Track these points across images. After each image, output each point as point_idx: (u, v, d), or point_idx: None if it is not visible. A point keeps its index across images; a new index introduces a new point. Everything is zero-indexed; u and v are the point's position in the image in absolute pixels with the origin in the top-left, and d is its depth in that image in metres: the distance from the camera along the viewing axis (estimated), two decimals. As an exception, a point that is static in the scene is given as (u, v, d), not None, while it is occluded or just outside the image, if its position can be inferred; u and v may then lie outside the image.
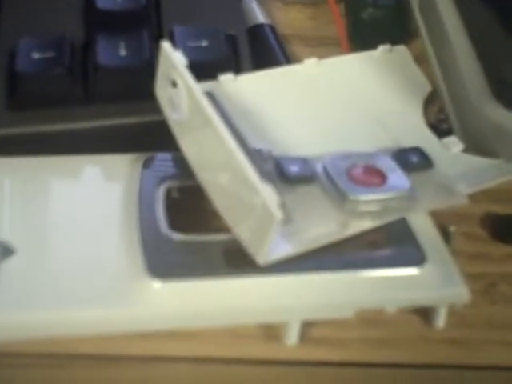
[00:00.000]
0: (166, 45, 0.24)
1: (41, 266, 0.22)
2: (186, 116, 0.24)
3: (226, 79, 0.27)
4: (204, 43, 0.28)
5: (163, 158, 0.26)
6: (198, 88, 0.23)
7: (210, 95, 0.25)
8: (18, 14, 0.30)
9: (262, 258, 0.22)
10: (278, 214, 0.20)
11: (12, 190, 0.25)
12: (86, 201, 0.25)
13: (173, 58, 0.24)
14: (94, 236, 0.23)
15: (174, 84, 0.24)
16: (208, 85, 0.26)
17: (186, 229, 0.24)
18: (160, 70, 0.25)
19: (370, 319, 0.25)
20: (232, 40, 0.29)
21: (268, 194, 0.20)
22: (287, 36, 0.35)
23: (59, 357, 0.23)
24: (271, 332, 0.24)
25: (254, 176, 0.21)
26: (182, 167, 0.25)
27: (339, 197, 0.24)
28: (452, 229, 0.26)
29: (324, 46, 0.35)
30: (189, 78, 0.23)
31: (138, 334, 0.23)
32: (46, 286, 0.22)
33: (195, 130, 0.24)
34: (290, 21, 0.36)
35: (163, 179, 0.26)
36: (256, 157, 0.23)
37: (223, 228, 0.24)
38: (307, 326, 0.24)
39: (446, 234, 0.26)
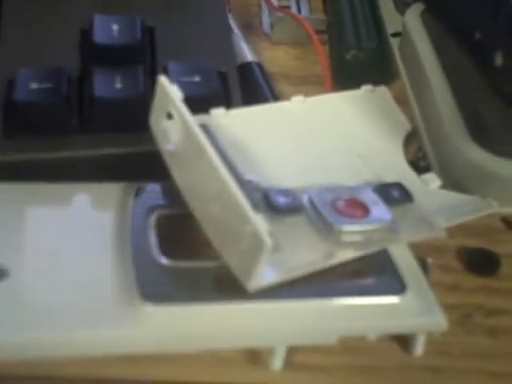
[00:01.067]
0: (163, 79, 0.25)
1: (34, 289, 0.23)
2: (180, 147, 0.25)
3: (218, 113, 0.28)
4: (196, 78, 0.29)
5: (154, 187, 0.27)
6: (193, 120, 0.24)
7: (204, 127, 0.26)
8: (16, 44, 0.31)
9: (252, 284, 0.23)
10: (269, 242, 0.21)
11: (6, 215, 0.25)
12: (79, 227, 0.26)
13: (169, 92, 0.25)
14: (87, 261, 0.24)
15: (169, 116, 0.25)
16: (201, 118, 0.27)
17: (176, 256, 0.25)
18: (156, 102, 0.26)
19: (352, 346, 0.25)
20: (223, 76, 0.31)
21: (259, 222, 0.21)
22: (273, 74, 0.36)
23: (45, 379, 0.23)
24: (255, 357, 0.25)
25: (245, 205, 0.22)
26: (173, 196, 0.26)
27: (325, 227, 0.25)
28: (429, 260, 0.28)
29: (308, 85, 0.36)
30: (185, 110, 0.24)
31: (124, 358, 0.23)
32: (39, 308, 0.22)
33: (188, 160, 0.25)
34: (277, 60, 0.37)
35: (154, 207, 0.26)
36: (246, 187, 0.24)
37: (212, 255, 0.24)
38: (291, 351, 0.25)
39: (423, 266, 0.27)
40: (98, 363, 0.23)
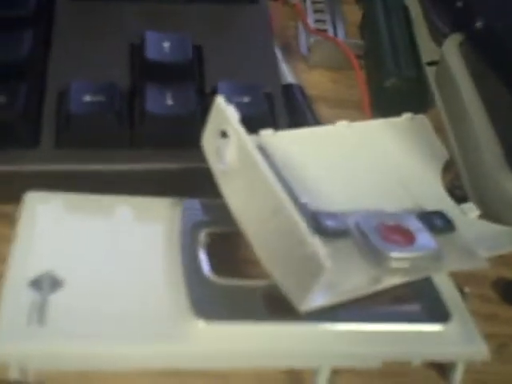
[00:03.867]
0: (220, 99, 0.25)
1: (88, 300, 0.23)
2: (234, 166, 0.25)
3: (267, 134, 0.29)
4: (245, 99, 0.30)
5: (201, 204, 0.28)
6: (249, 140, 0.24)
7: (260, 148, 0.26)
8: (67, 57, 0.31)
9: (304, 306, 0.23)
10: (328, 265, 0.21)
11: (60, 225, 0.26)
12: (129, 239, 0.26)
13: (226, 112, 0.25)
14: (139, 274, 0.25)
15: (223, 135, 0.26)
16: (251, 138, 0.27)
17: (225, 274, 0.25)
18: (210, 121, 0.26)
19: (394, 371, 0.26)
20: (269, 97, 0.31)
21: (317, 244, 0.22)
22: (310, 96, 0.37)
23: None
24: (299, 378, 0.25)
25: (303, 227, 0.22)
26: (220, 213, 0.26)
27: (372, 253, 0.25)
28: (467, 290, 0.28)
29: (344, 109, 0.37)
30: (242, 131, 0.25)
31: (168, 372, 0.24)
32: (93, 320, 0.23)
33: (242, 179, 0.25)
34: (313, 82, 0.38)
35: (202, 224, 0.27)
36: (300, 209, 0.25)
37: (259, 274, 0.25)
38: (335, 373, 0.25)
39: (461, 295, 0.27)
40: (147, 377, 0.24)
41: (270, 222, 0.24)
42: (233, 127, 0.25)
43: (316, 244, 0.22)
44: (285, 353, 0.24)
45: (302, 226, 0.22)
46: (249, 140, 0.24)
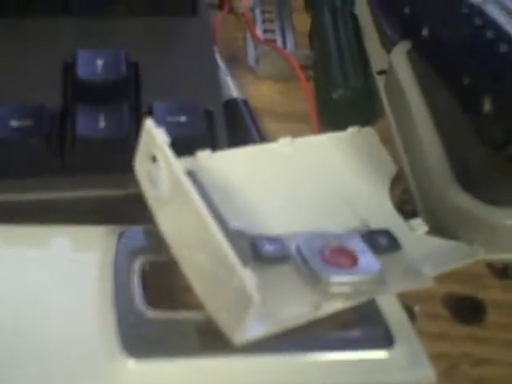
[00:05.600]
0: (149, 122, 0.24)
1: (13, 341, 0.22)
2: (165, 192, 0.24)
3: (203, 156, 0.27)
4: (183, 119, 0.29)
5: (138, 231, 0.27)
6: (179, 166, 0.23)
7: (191, 173, 0.25)
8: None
9: (238, 338, 0.22)
10: (257, 297, 0.20)
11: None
12: (59, 272, 0.25)
13: (155, 136, 0.24)
14: (68, 310, 0.23)
15: (154, 159, 0.25)
16: (186, 161, 0.26)
17: (159, 304, 0.24)
18: (141, 145, 0.25)
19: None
20: (209, 115, 0.30)
21: (247, 276, 0.21)
22: (257, 109, 0.36)
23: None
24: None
25: (232, 258, 0.21)
26: (157, 241, 0.25)
27: (312, 278, 0.24)
28: (416, 309, 0.27)
29: (293, 122, 0.36)
30: (170, 155, 0.24)
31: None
32: (18, 363, 0.21)
33: (174, 206, 0.24)
34: (261, 95, 0.37)
35: (138, 252, 0.26)
36: (233, 236, 0.24)
37: (196, 304, 0.24)
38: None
39: (410, 314, 0.27)
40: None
41: (201, 252, 0.23)
42: (162, 151, 0.24)
43: (245, 276, 0.21)
44: (222, 388, 0.23)
45: (232, 257, 0.21)
46: (178, 166, 0.23)
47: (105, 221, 0.27)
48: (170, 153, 0.24)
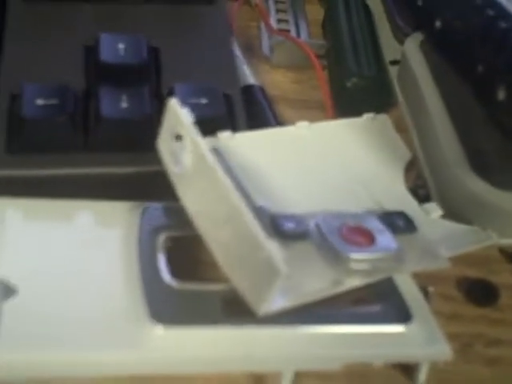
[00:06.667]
0: (173, 101, 0.25)
1: (44, 307, 0.22)
2: (189, 169, 0.25)
3: (225, 136, 0.28)
4: (203, 101, 0.29)
5: (160, 208, 0.27)
6: (204, 144, 0.24)
7: (215, 151, 0.26)
8: (20, 60, 0.30)
9: (262, 309, 0.22)
10: (284, 269, 0.21)
11: (15, 231, 0.25)
12: (85, 245, 0.25)
13: (180, 114, 0.25)
14: (96, 280, 0.24)
15: (178, 138, 0.25)
16: (208, 141, 0.27)
17: (184, 277, 0.25)
18: (165, 124, 0.26)
19: (357, 372, 0.25)
20: (228, 99, 0.31)
21: (273, 249, 0.21)
22: (273, 97, 0.36)
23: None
24: (261, 381, 0.25)
25: (259, 231, 0.22)
26: (179, 217, 0.26)
27: (332, 255, 0.25)
28: (431, 289, 0.28)
29: (307, 109, 0.37)
30: (195, 133, 0.24)
31: (131, 379, 0.23)
32: (48, 327, 0.22)
33: (198, 183, 0.25)
34: (276, 83, 0.38)
35: (161, 228, 0.26)
36: (256, 212, 0.24)
37: (219, 277, 0.24)
38: (298, 376, 0.25)
39: (424, 294, 0.27)
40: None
41: (226, 227, 0.23)
42: (187, 130, 0.24)
43: (272, 249, 0.21)
44: (245, 357, 0.23)
45: (258, 230, 0.22)
46: (203, 143, 0.24)
47: (126, 197, 0.27)
48: (194, 130, 0.24)
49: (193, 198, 0.25)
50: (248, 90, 0.34)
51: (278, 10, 0.42)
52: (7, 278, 0.23)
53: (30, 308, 0.22)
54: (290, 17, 0.42)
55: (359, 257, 0.25)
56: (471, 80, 0.31)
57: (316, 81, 0.37)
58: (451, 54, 0.33)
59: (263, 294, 0.22)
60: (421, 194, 0.32)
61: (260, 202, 0.26)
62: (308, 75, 0.38)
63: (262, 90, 0.35)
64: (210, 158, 0.23)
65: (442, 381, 0.26)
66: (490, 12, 0.32)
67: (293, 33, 0.40)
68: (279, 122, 0.33)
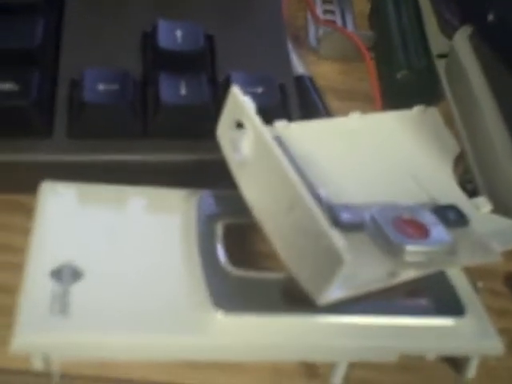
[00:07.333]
0: (236, 89, 0.25)
1: (108, 291, 0.23)
2: (250, 157, 0.25)
3: (281, 125, 0.28)
4: (259, 90, 0.29)
5: (216, 195, 0.27)
6: (266, 131, 0.24)
7: (278, 139, 0.26)
8: (78, 45, 0.31)
9: (322, 298, 0.23)
10: (347, 258, 0.21)
11: (76, 215, 0.26)
12: (145, 231, 0.26)
13: (242, 102, 0.25)
14: (157, 265, 0.24)
15: (239, 126, 0.26)
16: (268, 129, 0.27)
17: (241, 265, 0.25)
18: (226, 111, 0.26)
19: (409, 364, 0.26)
20: (282, 88, 0.31)
21: (337, 237, 0.22)
22: (320, 88, 0.36)
23: (115, 381, 0.24)
24: (315, 370, 0.25)
25: (322, 220, 0.22)
26: (236, 205, 0.26)
27: (388, 246, 0.25)
28: (480, 284, 0.28)
29: (354, 101, 0.37)
30: (258, 121, 0.25)
31: (191, 364, 0.24)
32: (113, 310, 0.23)
33: (258, 170, 0.25)
34: (323, 73, 0.38)
35: (218, 216, 0.27)
36: (317, 202, 0.25)
37: (276, 266, 0.25)
38: (350, 366, 0.25)
39: (474, 289, 0.27)
40: (165, 368, 0.24)
41: (287, 215, 0.24)
42: (249, 118, 0.25)
43: (335, 237, 0.22)
44: (301, 346, 0.24)
45: (321, 218, 0.22)
46: (266, 131, 0.24)
47: (183, 184, 0.28)
48: (256, 118, 0.25)
49: (253, 186, 0.25)
50: (299, 80, 0.34)
51: (324, 1, 0.42)
52: (74, 262, 0.23)
53: (96, 291, 0.23)
54: (336, 8, 0.42)
55: (414, 249, 0.25)
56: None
57: (362, 73, 0.37)
58: (503, 48, 0.33)
59: (325, 283, 0.22)
60: (469, 189, 0.32)
61: (321, 191, 0.26)
62: (354, 67, 0.38)
63: (311, 80, 0.35)
64: (274, 146, 0.24)
65: (491, 376, 0.27)
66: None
67: (339, 24, 0.40)
68: (329, 112, 0.34)
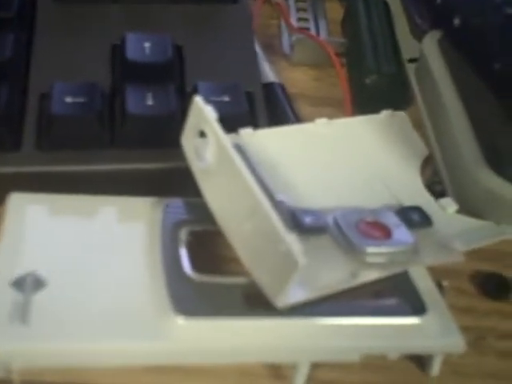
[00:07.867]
0: (198, 99, 0.26)
1: (70, 299, 0.24)
2: (212, 165, 0.26)
3: (246, 133, 0.29)
4: (225, 98, 0.30)
5: (182, 203, 0.28)
6: (227, 139, 0.25)
7: (238, 147, 0.27)
8: (49, 58, 0.31)
9: (281, 301, 0.23)
10: (302, 261, 0.22)
11: (43, 225, 0.26)
12: (111, 239, 0.26)
13: (204, 111, 0.26)
14: (120, 273, 0.25)
15: (202, 134, 0.26)
16: (231, 137, 0.28)
17: (205, 271, 0.26)
18: (189, 120, 0.27)
19: (372, 364, 0.26)
20: (250, 96, 0.31)
21: (292, 241, 0.22)
22: (292, 95, 0.37)
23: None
24: (278, 372, 0.26)
25: (279, 225, 0.23)
26: (200, 213, 0.27)
27: (349, 248, 0.26)
28: (445, 283, 0.28)
29: (326, 107, 0.37)
30: (219, 130, 0.25)
31: (153, 369, 0.24)
32: (75, 318, 0.23)
33: (220, 178, 0.26)
34: (296, 80, 0.38)
35: (183, 223, 0.27)
36: (277, 207, 0.25)
37: (240, 271, 0.25)
38: (313, 367, 0.25)
39: (439, 288, 0.28)
40: (130, 372, 0.24)
41: (248, 221, 0.24)
42: (211, 127, 0.25)
43: (291, 241, 0.22)
44: (264, 348, 0.24)
45: (278, 223, 0.23)
46: (226, 139, 0.25)
47: (151, 193, 0.28)
48: (218, 127, 0.25)
49: (215, 194, 0.26)
50: (268, 87, 0.35)
51: (298, 9, 0.43)
52: (37, 271, 0.24)
53: (57, 300, 0.23)
54: (310, 15, 0.42)
55: (375, 250, 0.26)
56: (489, 77, 0.32)
57: (335, 79, 0.38)
58: (469, 51, 0.34)
59: (281, 285, 0.23)
60: (437, 190, 0.32)
61: (280, 197, 0.27)
62: (327, 73, 0.39)
63: (282, 87, 0.36)
64: (233, 154, 0.24)
65: (455, 373, 0.27)
66: (509, 10, 0.33)
67: (312, 31, 0.41)
68: (299, 118, 0.34)
